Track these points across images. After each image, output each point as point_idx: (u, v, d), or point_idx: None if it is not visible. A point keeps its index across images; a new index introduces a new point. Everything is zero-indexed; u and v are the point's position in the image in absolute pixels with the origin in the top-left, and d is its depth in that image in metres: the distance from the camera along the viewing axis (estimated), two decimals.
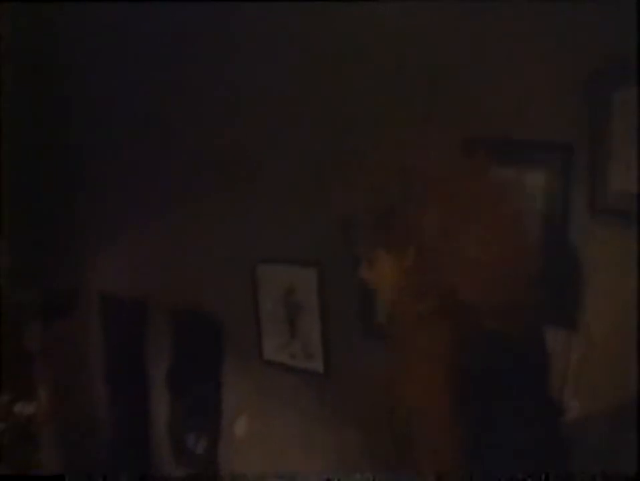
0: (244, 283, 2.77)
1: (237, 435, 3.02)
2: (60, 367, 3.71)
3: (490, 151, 1.50)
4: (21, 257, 3.49)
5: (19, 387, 4.22)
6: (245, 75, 2.57)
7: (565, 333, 1.88)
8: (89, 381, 3.76)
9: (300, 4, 2.26)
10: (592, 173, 1.82)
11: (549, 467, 1.38)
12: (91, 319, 3.59)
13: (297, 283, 2.60)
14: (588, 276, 1.84)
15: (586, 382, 1.87)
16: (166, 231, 3.05)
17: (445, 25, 2.01)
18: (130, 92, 2.99)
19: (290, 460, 2.73)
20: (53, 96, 3.25)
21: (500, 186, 1.53)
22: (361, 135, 2.25)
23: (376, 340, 2.19)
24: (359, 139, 2.25)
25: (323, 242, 2.36)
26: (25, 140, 3.25)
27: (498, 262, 1.38)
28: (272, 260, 2.67)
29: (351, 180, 2.02)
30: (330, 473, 2.20)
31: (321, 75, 2.36)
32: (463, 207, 1.41)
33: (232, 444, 3.06)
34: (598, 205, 1.82)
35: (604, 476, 1.40)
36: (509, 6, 1.85)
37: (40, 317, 3.62)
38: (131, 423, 3.54)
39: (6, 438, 4.44)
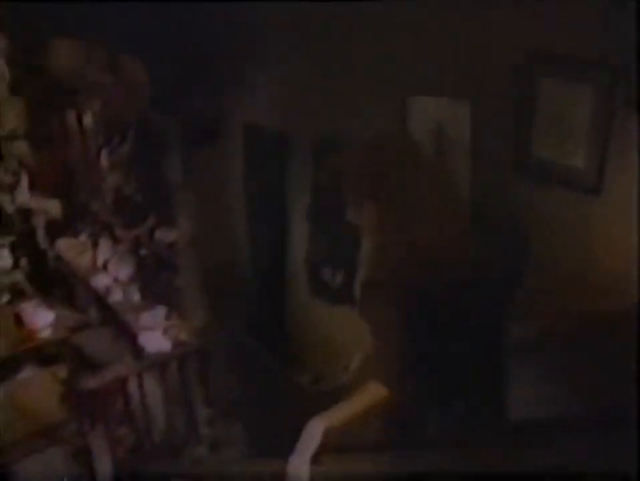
0: (392, 117, 2.66)
1: None
2: (201, 196, 3.80)
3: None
4: (161, 84, 3.50)
5: (161, 215, 4.39)
6: None
7: None
8: (229, 211, 3.85)
9: None
10: None
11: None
12: (233, 149, 3.62)
13: (447, 118, 2.47)
14: None
15: None
16: (310, 62, 2.94)
17: None
18: None
19: None
20: None
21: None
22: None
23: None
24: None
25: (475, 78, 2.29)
26: None
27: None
28: (423, 92, 2.53)
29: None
30: None
31: None
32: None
33: None
34: None
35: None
36: None
37: (181, 146, 3.68)
38: (274, 254, 3.61)
39: (147, 264, 4.69)
